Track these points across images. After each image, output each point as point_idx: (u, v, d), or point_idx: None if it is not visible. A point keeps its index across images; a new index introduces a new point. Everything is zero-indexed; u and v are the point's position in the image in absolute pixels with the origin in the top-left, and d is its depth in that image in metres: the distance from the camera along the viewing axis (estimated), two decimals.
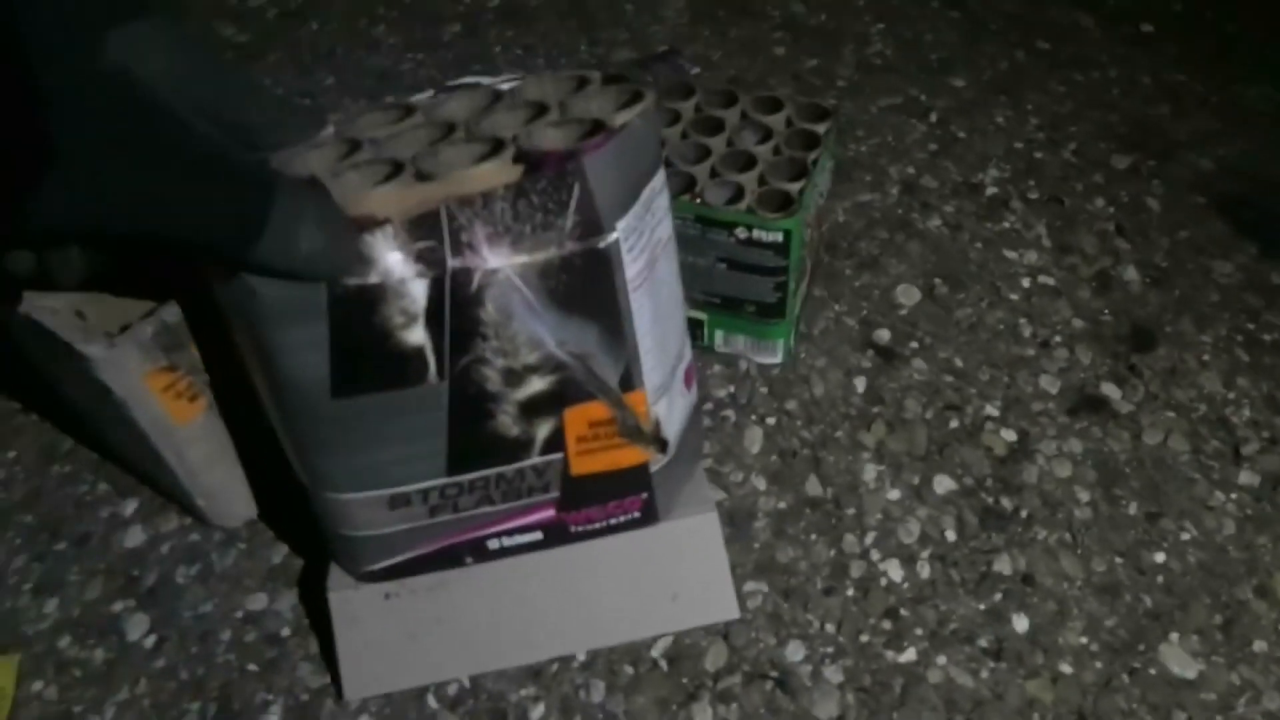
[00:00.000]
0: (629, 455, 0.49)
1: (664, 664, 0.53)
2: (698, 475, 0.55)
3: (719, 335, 0.66)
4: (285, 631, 0.56)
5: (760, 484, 0.61)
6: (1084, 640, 0.54)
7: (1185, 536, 0.58)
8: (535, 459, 0.47)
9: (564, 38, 0.94)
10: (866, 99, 0.85)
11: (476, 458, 0.46)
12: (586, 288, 0.42)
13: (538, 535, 0.51)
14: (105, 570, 0.59)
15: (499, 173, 0.39)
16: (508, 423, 0.45)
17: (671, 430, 0.50)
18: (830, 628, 0.54)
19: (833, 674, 0.53)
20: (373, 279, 0.39)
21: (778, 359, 0.66)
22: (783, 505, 0.60)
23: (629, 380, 0.46)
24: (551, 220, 0.40)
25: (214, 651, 0.55)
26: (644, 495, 0.51)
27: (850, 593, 0.56)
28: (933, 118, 0.83)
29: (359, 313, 0.40)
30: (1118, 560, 0.57)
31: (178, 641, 0.56)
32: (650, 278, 0.45)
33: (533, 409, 0.45)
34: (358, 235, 0.38)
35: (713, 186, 0.60)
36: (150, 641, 0.56)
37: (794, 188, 0.59)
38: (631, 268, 0.43)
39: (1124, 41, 0.90)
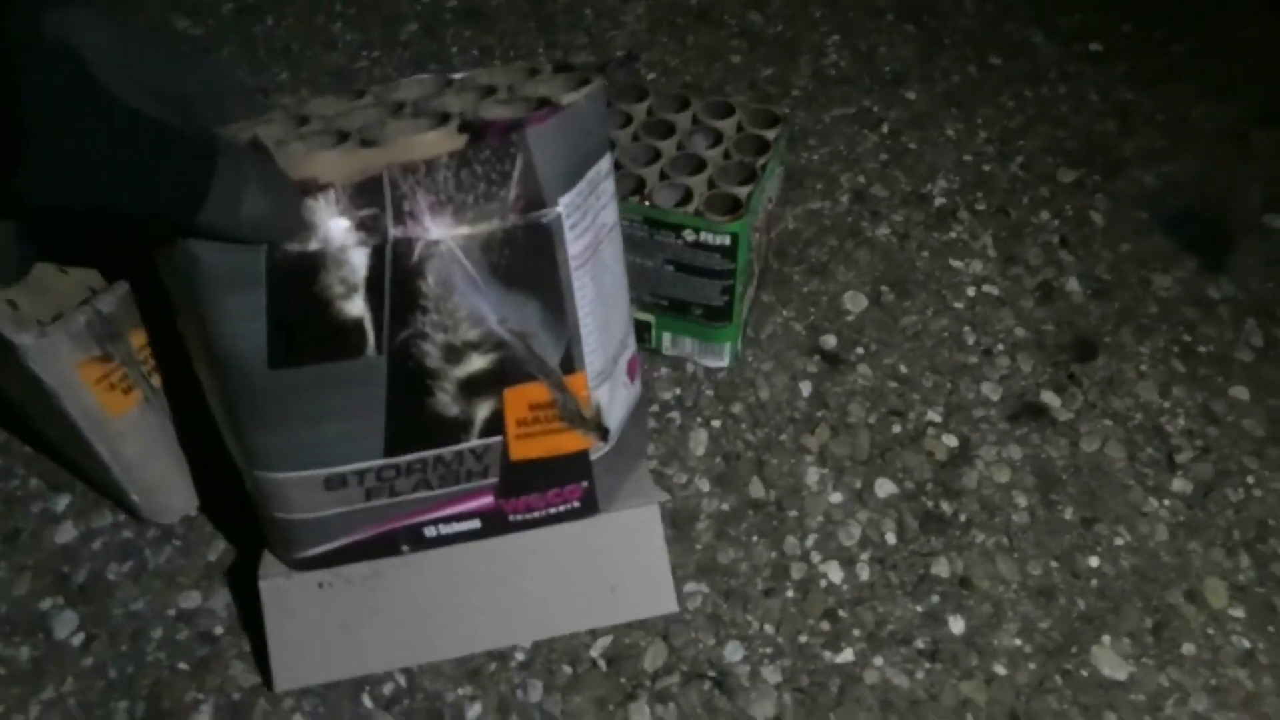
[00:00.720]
0: (569, 441, 0.49)
1: (603, 664, 0.53)
2: (641, 471, 0.55)
3: (666, 338, 0.66)
4: (218, 630, 0.55)
5: (704, 486, 0.61)
6: (1018, 642, 0.54)
7: (1119, 541, 0.59)
8: (474, 441, 0.47)
9: (523, 39, 0.94)
10: (820, 108, 0.86)
11: (414, 438, 0.46)
12: (528, 263, 0.43)
13: (476, 524, 0.51)
14: (34, 566, 0.58)
15: (443, 141, 0.40)
16: (447, 401, 0.45)
17: (613, 419, 0.50)
18: (769, 628, 0.55)
19: (771, 674, 0.53)
20: (313, 245, 0.39)
21: (724, 362, 0.66)
22: (725, 507, 0.60)
23: (570, 362, 0.46)
24: (494, 191, 0.41)
25: (144, 650, 0.54)
26: (584, 484, 0.51)
27: (790, 594, 0.56)
28: (885, 128, 0.84)
29: (298, 280, 0.40)
30: (1053, 564, 0.58)
31: (107, 640, 0.55)
32: (594, 259, 0.45)
33: (472, 387, 0.45)
34: (300, 199, 0.38)
35: (662, 189, 0.60)
36: (79, 639, 0.55)
37: (742, 192, 0.59)
38: (574, 246, 0.43)
39: (1074, 59, 0.92)
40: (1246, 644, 0.55)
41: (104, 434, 0.52)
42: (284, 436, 0.45)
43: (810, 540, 0.58)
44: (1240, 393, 0.66)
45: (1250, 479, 0.62)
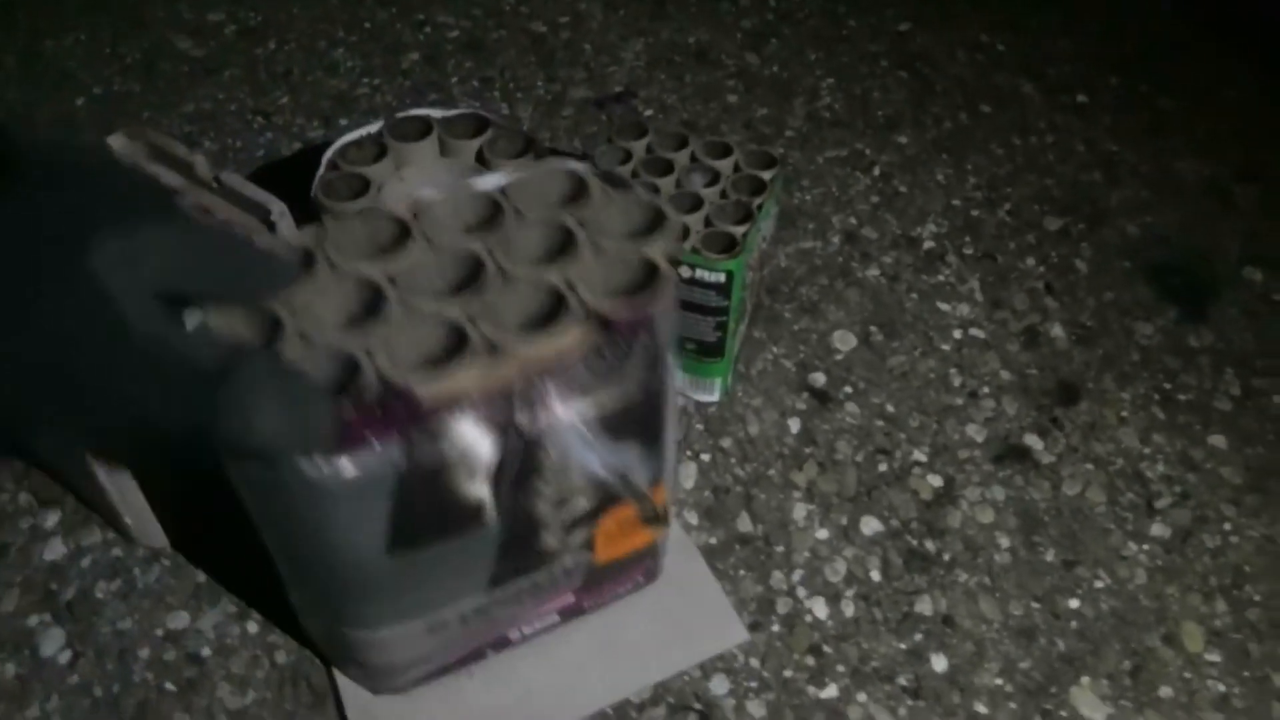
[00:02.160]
0: (645, 537, 0.51)
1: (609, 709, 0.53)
2: (675, 525, 0.57)
3: None
4: (206, 651, 0.55)
5: (693, 519, 0.61)
6: (999, 681, 0.55)
7: (1099, 584, 0.60)
8: (567, 561, 0.49)
9: (522, 73, 0.96)
10: (814, 150, 0.88)
11: (516, 573, 0.47)
12: (639, 420, 0.43)
13: (555, 618, 0.53)
14: (22, 583, 0.57)
15: (574, 339, 0.40)
16: (550, 540, 0.46)
17: (671, 503, 0.52)
18: (755, 662, 0.55)
19: (755, 708, 0.53)
20: (446, 453, 0.38)
21: (715, 397, 0.67)
22: (714, 540, 0.60)
23: (656, 479, 0.48)
24: (619, 372, 0.41)
25: (131, 669, 0.54)
26: (649, 562, 0.54)
27: (776, 629, 0.57)
28: (876, 172, 0.86)
29: (426, 484, 0.39)
30: (1034, 605, 0.58)
31: (94, 658, 0.54)
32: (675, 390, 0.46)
33: (573, 524, 0.46)
34: (332, 412, 0.36)
35: None
36: (65, 657, 0.55)
37: (738, 231, 0.61)
38: (672, 394, 0.45)
39: (1062, 110, 0.94)
40: (1222, 688, 0.56)
41: None
42: (391, 603, 0.45)
43: (796, 575, 0.59)
44: (1219, 441, 0.67)
45: (1227, 525, 0.63)
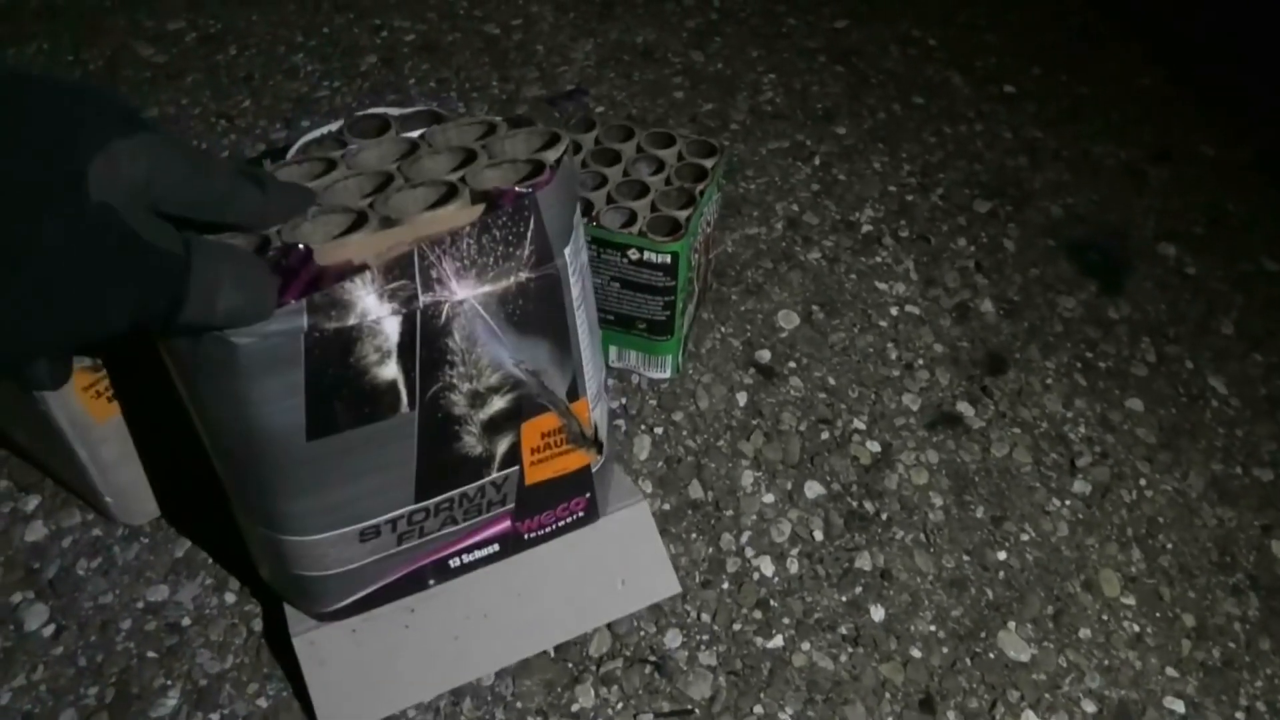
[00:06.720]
0: (575, 460, 0.53)
1: (551, 650, 0.57)
2: (620, 474, 0.60)
3: (613, 351, 0.70)
4: (186, 621, 0.58)
5: (647, 487, 0.65)
6: (933, 628, 0.59)
7: (1025, 537, 0.64)
8: (495, 474, 0.51)
9: (477, 73, 0.99)
10: (757, 141, 0.92)
11: (442, 480, 0.50)
12: (539, 310, 0.46)
13: (495, 548, 0.55)
14: (4, 563, 0.60)
15: (462, 213, 0.42)
16: (471, 442, 0.49)
17: (604, 433, 0.55)
18: (706, 617, 0.59)
19: (707, 659, 0.57)
20: (350, 321, 0.40)
21: (667, 374, 0.71)
22: (667, 507, 0.64)
23: (574, 391, 0.50)
24: (511, 251, 0.44)
25: (113, 640, 0.57)
26: (587, 495, 0.56)
27: (725, 586, 0.61)
28: (816, 161, 0.91)
29: (335, 355, 0.41)
30: (965, 558, 0.63)
31: (77, 630, 0.57)
32: (585, 298, 0.49)
33: (493, 426, 0.49)
34: (274, 284, 0.39)
35: (609, 212, 0.65)
36: (49, 631, 0.57)
37: (682, 215, 0.64)
38: (574, 289, 0.47)
39: (989, 100, 0.99)
40: (1136, 628, 0.60)
41: (87, 439, 0.54)
42: (319, 500, 0.47)
43: (745, 537, 0.63)
44: (1135, 404, 0.72)
45: (1142, 481, 0.68)
